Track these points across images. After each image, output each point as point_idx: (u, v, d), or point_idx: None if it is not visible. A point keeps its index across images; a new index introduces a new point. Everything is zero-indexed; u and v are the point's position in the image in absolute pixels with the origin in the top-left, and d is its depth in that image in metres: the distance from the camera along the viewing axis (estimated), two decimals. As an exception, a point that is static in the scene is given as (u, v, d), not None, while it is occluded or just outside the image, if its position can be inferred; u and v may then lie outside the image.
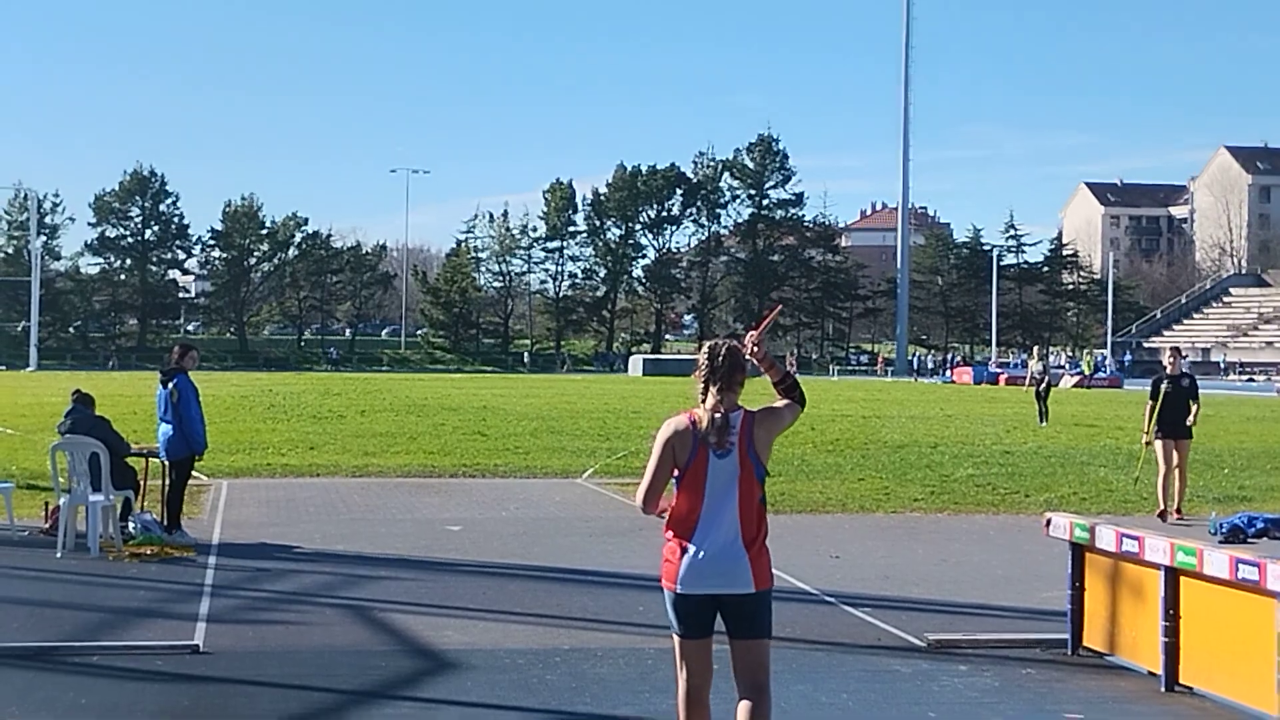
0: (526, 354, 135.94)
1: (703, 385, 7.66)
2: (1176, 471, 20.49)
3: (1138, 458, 23.41)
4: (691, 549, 7.44)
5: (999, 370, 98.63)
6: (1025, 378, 44.34)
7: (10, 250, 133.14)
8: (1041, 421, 42.21)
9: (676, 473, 7.56)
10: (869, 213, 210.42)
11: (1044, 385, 44.67)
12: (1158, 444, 20.56)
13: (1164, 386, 20.80)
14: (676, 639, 7.64)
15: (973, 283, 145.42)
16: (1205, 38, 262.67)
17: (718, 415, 7.54)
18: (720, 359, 7.61)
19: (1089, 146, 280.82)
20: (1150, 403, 20.87)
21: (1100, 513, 19.91)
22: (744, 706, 7.58)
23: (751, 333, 7.81)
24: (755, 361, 7.74)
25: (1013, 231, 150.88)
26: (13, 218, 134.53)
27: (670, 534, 7.57)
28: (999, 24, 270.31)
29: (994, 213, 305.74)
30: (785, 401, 7.81)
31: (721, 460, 7.47)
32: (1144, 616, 10.65)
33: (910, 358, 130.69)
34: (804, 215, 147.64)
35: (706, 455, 7.48)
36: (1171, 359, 21.59)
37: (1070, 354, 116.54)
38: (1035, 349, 68.74)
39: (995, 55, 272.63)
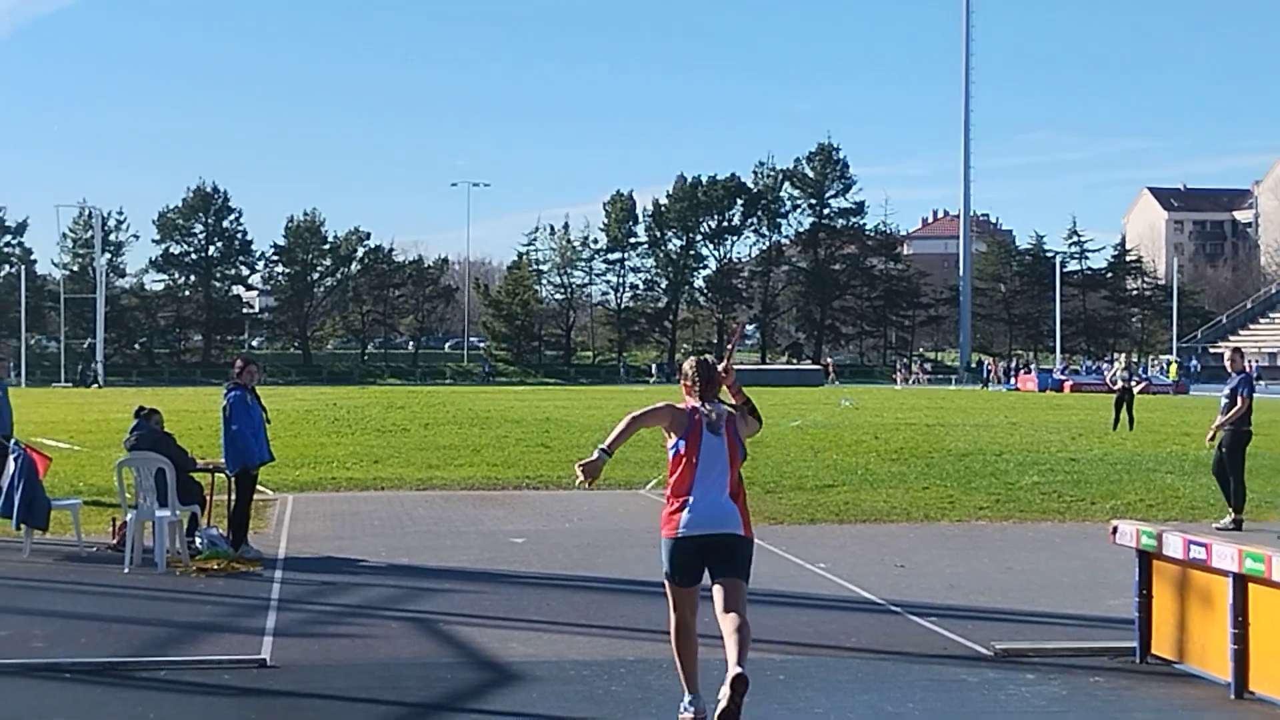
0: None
1: (691, 389, 9.57)
2: None
3: None
4: (690, 503, 9.22)
5: (1064, 377, 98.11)
6: (1122, 384, 43.24)
7: (76, 268, 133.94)
8: (1114, 427, 41.81)
9: (673, 441, 9.39)
10: (930, 220, 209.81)
11: (1127, 391, 43.70)
12: None
13: None
14: (670, 586, 9.37)
15: (1036, 289, 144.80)
16: (1267, 40, 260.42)
17: (709, 407, 9.41)
18: (705, 372, 9.60)
19: (1151, 151, 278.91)
20: None
21: (1167, 519, 19.80)
22: (729, 626, 9.06)
23: (722, 364, 9.75)
24: (725, 385, 9.70)
25: (1075, 238, 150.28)
26: (77, 235, 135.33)
27: (671, 495, 9.36)
28: (1059, 30, 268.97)
29: (1056, 219, 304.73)
30: (750, 417, 9.63)
31: (715, 437, 9.31)
32: (1212, 624, 10.57)
33: (973, 364, 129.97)
34: (865, 224, 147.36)
35: (701, 432, 9.30)
36: None
37: (1135, 359, 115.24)
38: (1123, 355, 67.48)
39: (1056, 61, 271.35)
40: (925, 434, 40.67)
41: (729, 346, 10.35)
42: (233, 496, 17.40)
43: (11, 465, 17.10)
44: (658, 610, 13.01)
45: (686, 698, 9.37)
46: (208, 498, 18.13)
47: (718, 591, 9.22)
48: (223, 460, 17.53)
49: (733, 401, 9.66)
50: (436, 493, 24.52)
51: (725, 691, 8.68)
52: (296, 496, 23.46)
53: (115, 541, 17.27)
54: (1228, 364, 19.63)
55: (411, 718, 9.86)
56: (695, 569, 9.30)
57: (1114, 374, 45.72)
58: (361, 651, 11.89)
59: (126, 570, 15.85)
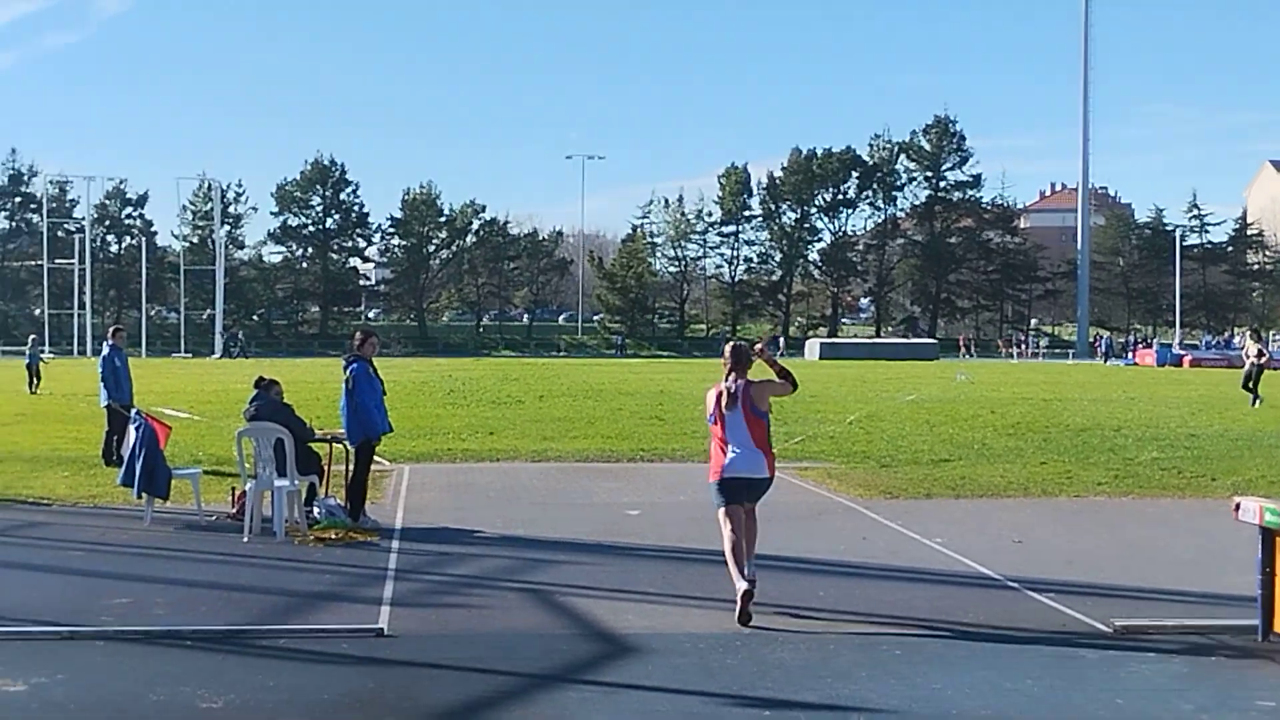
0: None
1: (726, 370, 12.79)
2: None
3: None
4: (729, 454, 12.54)
5: (1183, 352, 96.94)
6: (1250, 360, 42.25)
7: (195, 240, 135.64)
8: (1253, 403, 41.01)
9: (709, 415, 12.84)
10: (1048, 193, 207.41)
11: (1256, 366, 42.81)
12: None
13: None
14: (722, 510, 12.57)
15: (1155, 263, 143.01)
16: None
17: (729, 387, 12.68)
18: (736, 354, 12.88)
19: (1273, 124, 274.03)
20: None
21: (1290, 496, 19.49)
22: (747, 537, 12.60)
23: (758, 347, 13.20)
24: (763, 360, 13.06)
25: (1195, 211, 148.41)
26: (197, 207, 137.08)
27: (715, 449, 12.74)
28: (1177, 1, 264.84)
29: (1176, 192, 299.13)
30: (780, 380, 12.99)
31: (733, 409, 12.59)
32: (1338, 603, 10.41)
33: (1092, 340, 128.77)
34: (982, 197, 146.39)
35: (722, 407, 12.65)
36: None
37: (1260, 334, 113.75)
38: (1246, 330, 65.77)
39: (1176, 31, 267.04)
40: (1042, 409, 40.35)
41: (761, 343, 13.70)
42: (350, 467, 17.54)
43: (133, 434, 17.33)
44: (773, 584, 13.04)
45: (739, 580, 12.11)
46: (326, 468, 18.28)
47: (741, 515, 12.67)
48: (341, 431, 17.67)
49: (773, 374, 12.99)
50: (551, 464, 24.61)
51: (738, 603, 11.94)
52: (413, 467, 23.62)
53: (235, 511, 17.46)
54: None
55: (527, 688, 9.88)
56: (739, 494, 12.60)
57: (1246, 348, 44.78)
58: (477, 622, 11.95)
59: (245, 539, 16.02)
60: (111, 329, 25.67)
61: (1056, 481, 22.13)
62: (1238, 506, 11.65)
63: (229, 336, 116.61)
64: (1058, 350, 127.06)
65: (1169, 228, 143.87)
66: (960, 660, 10.62)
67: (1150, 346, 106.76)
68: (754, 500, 12.75)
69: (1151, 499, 20.48)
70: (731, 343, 13.30)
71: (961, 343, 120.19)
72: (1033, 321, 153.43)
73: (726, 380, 12.71)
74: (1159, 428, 33.02)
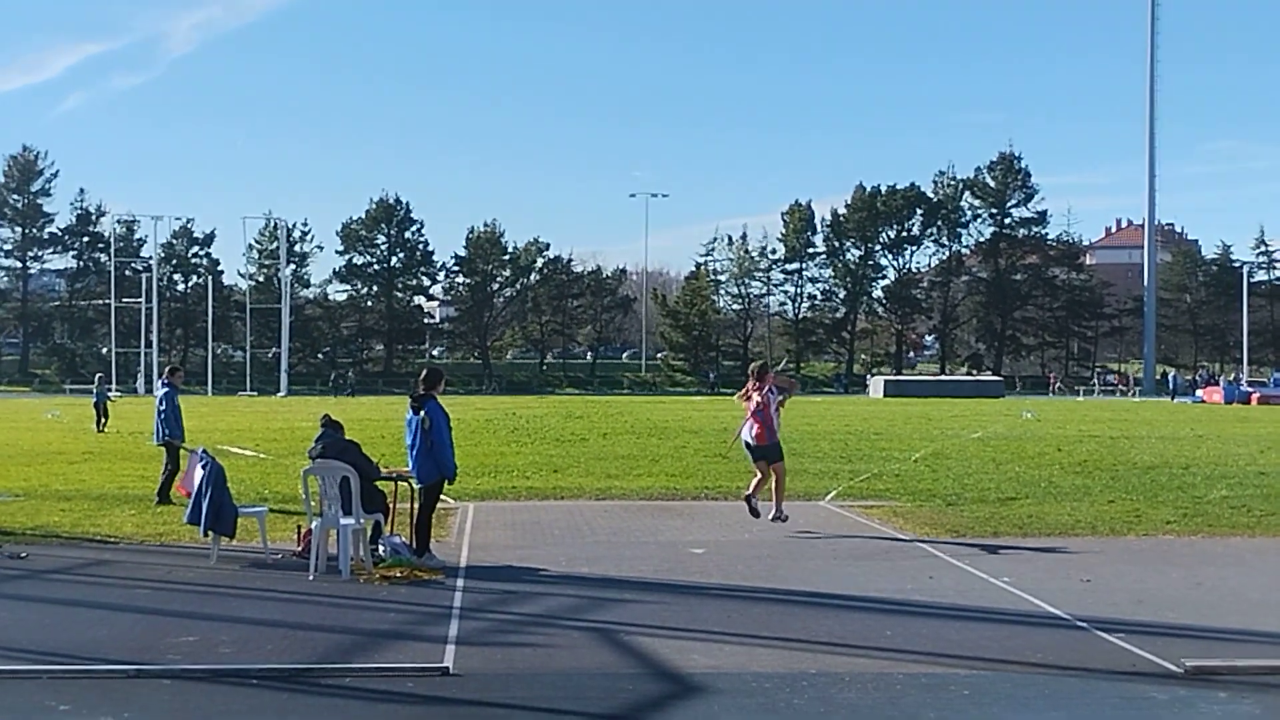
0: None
1: (751, 383, 20.54)
2: None
3: None
4: (744, 429, 20.86)
5: (1251, 389, 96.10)
6: None
7: (261, 278, 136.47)
8: None
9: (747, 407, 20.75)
10: (1114, 230, 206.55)
11: None
12: None
13: None
14: (752, 461, 21.16)
15: (1222, 300, 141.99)
16: None
17: (754, 395, 20.28)
18: (758, 372, 20.82)
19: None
20: None
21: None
22: (773, 483, 20.85)
23: (774, 381, 20.58)
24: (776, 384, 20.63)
25: (1263, 247, 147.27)
26: (263, 246, 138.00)
27: (742, 422, 20.90)
28: (1247, 36, 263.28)
29: (1243, 228, 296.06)
30: (783, 396, 20.73)
31: (753, 404, 20.31)
32: None
33: (1158, 376, 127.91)
34: (1047, 233, 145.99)
35: (747, 402, 20.50)
36: None
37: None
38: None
39: (1242, 68, 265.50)
40: (1109, 446, 40.11)
41: (774, 379, 20.94)
42: (415, 505, 17.55)
43: (200, 473, 17.41)
44: (840, 623, 13.02)
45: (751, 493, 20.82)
46: (391, 506, 18.31)
47: (765, 468, 20.99)
48: (406, 469, 17.70)
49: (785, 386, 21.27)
50: (616, 502, 24.59)
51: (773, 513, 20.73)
52: (477, 505, 23.65)
53: (300, 549, 17.49)
54: None
55: (593, 728, 9.85)
56: (750, 454, 21.10)
57: None
58: (543, 661, 11.91)
59: (311, 577, 16.05)
60: (168, 369, 25.85)
61: (1125, 520, 21.96)
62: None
63: (338, 375, 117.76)
64: (1123, 388, 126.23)
65: (1236, 264, 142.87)
66: (1029, 701, 10.53)
67: (1217, 384, 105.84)
68: (767, 459, 20.94)
69: (1221, 538, 20.28)
70: (758, 363, 21.87)
71: (1051, 380, 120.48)
72: (1097, 364, 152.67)
73: (754, 384, 20.80)
74: (1228, 465, 32.77)
